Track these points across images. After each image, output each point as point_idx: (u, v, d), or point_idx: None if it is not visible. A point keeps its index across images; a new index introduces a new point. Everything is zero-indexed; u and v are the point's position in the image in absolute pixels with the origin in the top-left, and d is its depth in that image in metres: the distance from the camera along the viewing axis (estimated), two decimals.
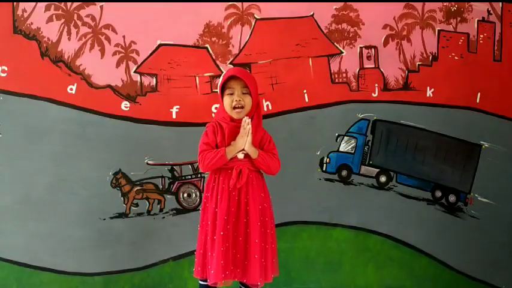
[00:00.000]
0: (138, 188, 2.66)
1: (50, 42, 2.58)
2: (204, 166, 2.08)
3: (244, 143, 2.04)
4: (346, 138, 2.81)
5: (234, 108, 2.07)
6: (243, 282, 2.13)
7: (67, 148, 2.60)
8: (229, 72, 2.14)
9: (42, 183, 2.59)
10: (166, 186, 2.69)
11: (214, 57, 2.68)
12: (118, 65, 2.63)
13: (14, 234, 2.59)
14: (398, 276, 2.87)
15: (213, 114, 2.63)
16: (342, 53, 2.77)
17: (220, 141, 2.08)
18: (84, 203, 2.62)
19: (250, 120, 2.04)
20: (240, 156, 2.09)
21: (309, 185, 2.77)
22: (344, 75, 2.78)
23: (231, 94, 2.08)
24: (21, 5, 2.55)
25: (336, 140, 2.80)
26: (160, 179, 2.68)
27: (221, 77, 2.18)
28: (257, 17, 2.70)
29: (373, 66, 2.80)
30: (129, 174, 2.65)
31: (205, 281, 2.11)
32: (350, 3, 2.75)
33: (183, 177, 2.70)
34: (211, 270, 2.01)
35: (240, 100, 2.06)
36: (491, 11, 2.85)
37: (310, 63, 2.75)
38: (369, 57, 2.79)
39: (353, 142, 2.81)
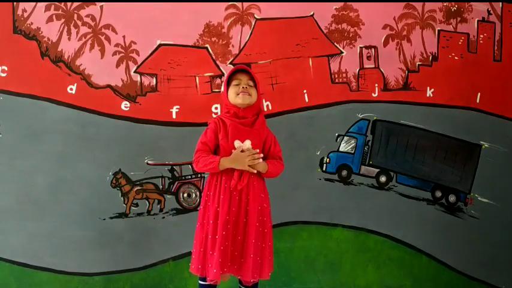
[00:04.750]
0: (138, 188, 2.66)
1: (50, 42, 2.58)
2: (198, 169, 2.11)
3: (243, 166, 2.03)
4: (346, 138, 2.81)
5: (239, 94, 2.07)
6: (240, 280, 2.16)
7: (67, 148, 2.60)
8: (234, 68, 2.18)
9: (42, 183, 2.59)
10: (166, 186, 2.69)
11: (214, 57, 2.68)
12: (118, 65, 2.63)
13: (14, 234, 2.59)
14: (398, 276, 2.87)
15: (213, 115, 2.64)
16: (342, 53, 2.77)
17: (222, 138, 2.08)
18: (84, 203, 2.62)
19: (261, 155, 2.06)
20: None
21: (309, 185, 2.77)
22: (344, 75, 2.78)
23: (237, 85, 2.10)
24: (21, 5, 2.55)
25: (336, 140, 2.80)
26: (160, 179, 2.68)
27: (226, 74, 2.19)
28: (257, 17, 2.70)
29: (373, 66, 2.80)
30: (129, 174, 2.65)
31: (204, 279, 2.13)
32: (350, 3, 2.75)
33: (183, 177, 2.70)
34: (212, 268, 2.03)
35: (246, 87, 2.08)
36: (491, 11, 2.85)
37: (310, 63, 2.75)
38: (369, 57, 2.79)
39: (353, 142, 2.81)
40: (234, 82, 2.11)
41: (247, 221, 2.08)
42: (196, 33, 2.67)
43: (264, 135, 2.13)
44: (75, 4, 2.59)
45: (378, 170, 2.84)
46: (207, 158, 2.06)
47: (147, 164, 2.66)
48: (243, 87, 2.08)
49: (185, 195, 2.71)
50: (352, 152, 2.82)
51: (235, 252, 2.07)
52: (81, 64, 2.61)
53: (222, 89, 2.15)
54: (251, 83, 2.11)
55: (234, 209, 2.07)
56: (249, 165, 2.04)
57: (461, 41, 2.84)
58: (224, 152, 2.08)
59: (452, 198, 2.88)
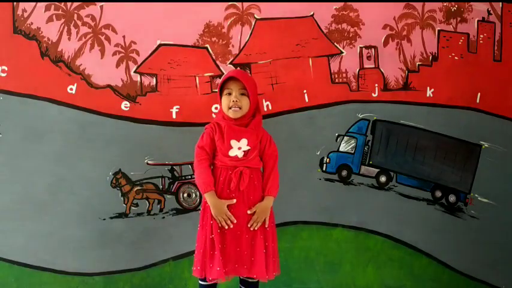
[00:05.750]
0: (138, 188, 2.66)
1: (50, 42, 2.58)
2: (195, 174, 2.19)
3: (214, 215, 2.08)
4: (346, 138, 2.81)
5: (231, 108, 2.09)
6: (243, 280, 2.19)
7: (67, 148, 2.60)
8: (228, 73, 2.20)
9: (42, 183, 2.59)
10: (166, 186, 2.69)
11: (214, 57, 2.68)
12: (118, 65, 2.62)
13: (14, 234, 2.59)
14: (398, 276, 2.87)
15: (213, 115, 2.64)
16: (342, 53, 2.77)
17: (218, 139, 2.11)
18: (84, 203, 2.62)
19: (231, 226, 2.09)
20: (240, 155, 2.11)
21: (309, 185, 2.77)
22: (344, 75, 2.78)
23: (229, 94, 2.11)
24: (21, 5, 2.55)
25: (336, 140, 2.80)
26: (160, 179, 2.68)
27: (220, 80, 2.21)
28: (257, 17, 2.70)
29: (373, 66, 2.80)
30: (129, 174, 2.65)
31: (204, 280, 2.14)
32: (350, 3, 2.75)
33: (183, 177, 2.70)
34: (215, 267, 2.05)
35: (237, 101, 2.09)
36: (491, 11, 2.85)
37: (310, 63, 2.75)
38: (369, 57, 2.79)
39: (353, 142, 2.81)
40: (226, 91, 2.13)
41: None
42: (196, 33, 2.66)
43: (260, 134, 2.15)
44: (75, 4, 2.58)
45: (378, 170, 2.84)
46: (204, 178, 2.10)
47: (147, 164, 2.66)
48: (233, 101, 2.09)
49: (185, 195, 2.71)
50: (352, 152, 2.82)
51: (245, 251, 2.09)
52: (81, 64, 2.61)
53: (218, 93, 2.18)
54: (243, 91, 2.12)
55: (234, 210, 2.09)
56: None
57: (461, 41, 2.84)
58: (221, 153, 2.11)
59: (452, 198, 2.88)
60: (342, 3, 2.75)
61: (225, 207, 2.07)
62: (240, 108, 2.10)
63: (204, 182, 2.09)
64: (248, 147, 2.11)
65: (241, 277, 2.21)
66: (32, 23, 2.56)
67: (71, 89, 2.60)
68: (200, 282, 2.17)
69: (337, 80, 2.78)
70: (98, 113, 2.61)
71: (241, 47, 2.70)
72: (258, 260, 2.09)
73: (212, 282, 2.13)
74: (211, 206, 2.08)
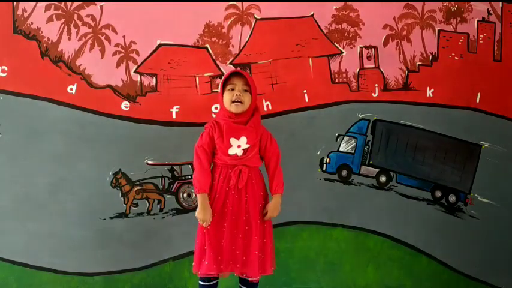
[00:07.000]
0: (138, 188, 2.66)
1: (50, 42, 2.58)
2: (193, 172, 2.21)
3: (197, 214, 2.12)
4: (346, 138, 2.81)
5: (234, 102, 2.10)
6: (243, 279, 2.20)
7: (67, 148, 2.60)
8: (230, 71, 2.22)
9: (42, 183, 2.59)
10: (166, 186, 2.69)
11: (214, 57, 2.68)
12: (118, 65, 2.62)
13: (14, 234, 2.59)
14: (398, 276, 2.87)
15: (213, 115, 2.64)
16: (342, 53, 2.77)
17: (217, 137, 2.12)
18: (84, 203, 2.62)
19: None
20: (240, 153, 2.12)
21: (309, 185, 2.77)
22: (344, 75, 2.78)
23: (232, 90, 2.13)
24: (21, 5, 2.55)
25: (336, 140, 2.80)
26: (160, 179, 2.68)
27: (223, 76, 2.23)
28: (257, 17, 2.70)
29: (373, 66, 2.80)
30: (129, 174, 2.65)
31: (204, 280, 2.15)
32: (350, 3, 2.75)
33: (183, 177, 2.70)
34: (205, 261, 2.09)
35: (240, 95, 2.10)
36: (491, 11, 2.85)
37: (310, 63, 2.75)
38: (369, 57, 2.79)
39: (353, 142, 2.81)
40: (229, 87, 2.15)
41: (248, 219, 2.13)
42: (196, 33, 2.66)
43: (259, 132, 2.16)
44: (75, 4, 2.59)
45: (378, 170, 2.84)
46: (200, 178, 2.12)
47: (147, 164, 2.66)
48: (236, 95, 2.11)
49: (185, 195, 2.71)
50: (352, 152, 2.82)
51: (237, 250, 2.11)
52: (81, 64, 2.61)
53: (219, 90, 2.19)
54: (246, 87, 2.14)
55: (232, 208, 2.12)
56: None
57: (461, 41, 2.84)
58: (221, 151, 2.12)
59: (452, 198, 2.88)
60: (342, 3, 2.75)
61: (210, 216, 2.10)
62: (242, 103, 2.12)
63: (199, 182, 2.12)
64: (247, 145, 2.12)
65: (240, 276, 2.22)
66: (32, 23, 2.56)
67: (71, 89, 2.60)
68: (200, 282, 2.18)
69: (337, 80, 2.78)
70: (98, 113, 2.61)
71: (241, 47, 2.70)
72: (250, 260, 2.11)
73: (209, 279, 2.14)
74: (200, 206, 2.11)
